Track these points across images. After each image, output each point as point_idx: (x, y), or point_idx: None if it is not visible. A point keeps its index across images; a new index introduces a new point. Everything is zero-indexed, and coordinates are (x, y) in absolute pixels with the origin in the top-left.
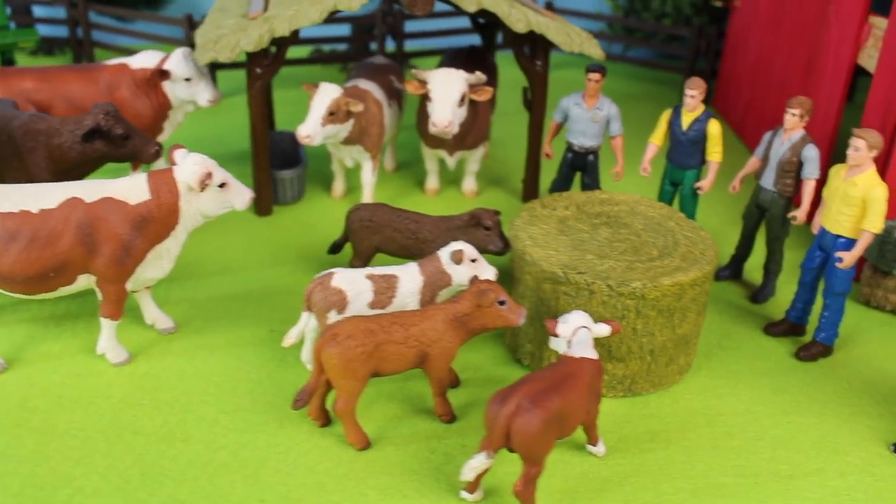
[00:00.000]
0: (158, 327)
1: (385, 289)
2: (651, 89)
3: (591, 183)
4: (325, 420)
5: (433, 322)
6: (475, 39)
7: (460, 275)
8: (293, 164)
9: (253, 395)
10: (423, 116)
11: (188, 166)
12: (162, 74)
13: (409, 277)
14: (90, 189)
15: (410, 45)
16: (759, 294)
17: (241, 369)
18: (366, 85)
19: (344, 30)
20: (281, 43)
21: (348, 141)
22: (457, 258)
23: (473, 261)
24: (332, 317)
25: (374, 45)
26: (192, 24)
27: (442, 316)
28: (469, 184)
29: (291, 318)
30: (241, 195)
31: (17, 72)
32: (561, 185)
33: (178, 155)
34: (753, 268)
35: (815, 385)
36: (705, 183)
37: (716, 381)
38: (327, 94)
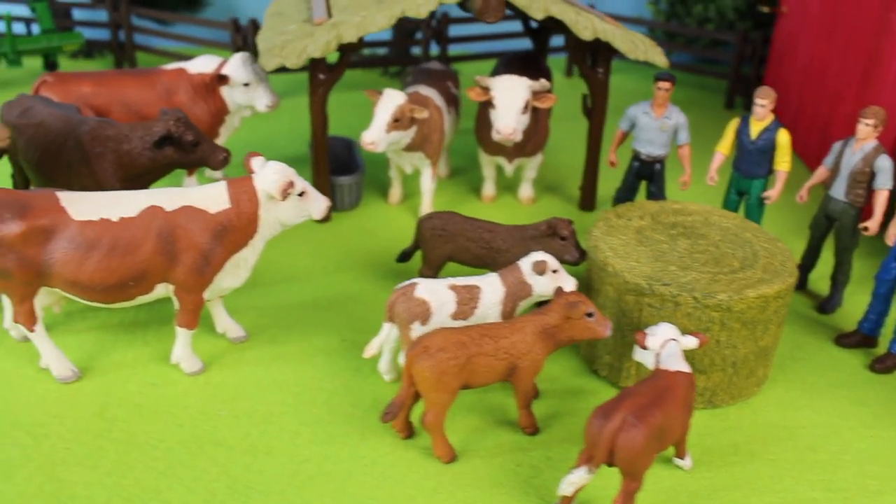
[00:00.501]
0: (230, 336)
1: (468, 299)
2: (694, 94)
3: (657, 192)
4: (409, 432)
5: (523, 334)
6: (522, 44)
7: (541, 286)
8: (347, 170)
9: (331, 406)
10: (483, 123)
11: (268, 175)
12: (220, 79)
13: (490, 288)
14: (170, 197)
15: (454, 49)
16: (827, 305)
17: (317, 379)
18: (426, 91)
19: (385, 33)
20: (345, 49)
21: (410, 147)
22: (539, 269)
23: (554, 271)
24: (416, 328)
25: (416, 49)
26: (237, 27)
27: (531, 328)
28: (526, 191)
29: (360, 327)
30: (318, 203)
31: (74, 76)
32: (626, 193)
33: (256, 163)
34: (818, 277)
35: (893, 397)
36: (773, 192)
37: (792, 392)
38: (392, 100)
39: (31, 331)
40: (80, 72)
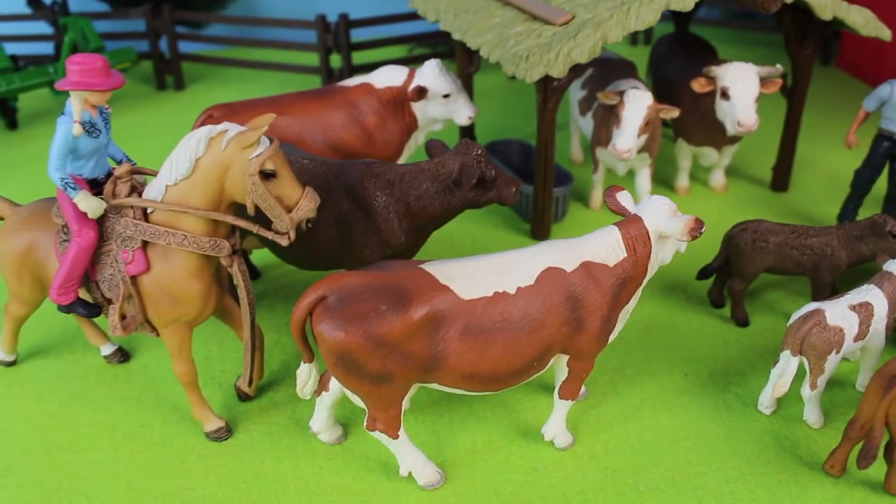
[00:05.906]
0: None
1: (866, 318)
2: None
3: None
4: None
5: None
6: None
7: None
8: (523, 178)
9: (739, 454)
10: (692, 113)
11: (662, 213)
12: (420, 92)
13: (879, 303)
14: (565, 254)
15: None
16: None
17: (701, 427)
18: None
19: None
20: None
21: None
22: None
23: None
24: (831, 358)
25: None
26: (325, 26)
27: None
28: (719, 178)
29: (690, 356)
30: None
31: (246, 106)
32: (871, 174)
33: (625, 198)
34: None
35: None
36: None
37: None
38: (642, 102)
39: (395, 437)
40: (249, 100)
